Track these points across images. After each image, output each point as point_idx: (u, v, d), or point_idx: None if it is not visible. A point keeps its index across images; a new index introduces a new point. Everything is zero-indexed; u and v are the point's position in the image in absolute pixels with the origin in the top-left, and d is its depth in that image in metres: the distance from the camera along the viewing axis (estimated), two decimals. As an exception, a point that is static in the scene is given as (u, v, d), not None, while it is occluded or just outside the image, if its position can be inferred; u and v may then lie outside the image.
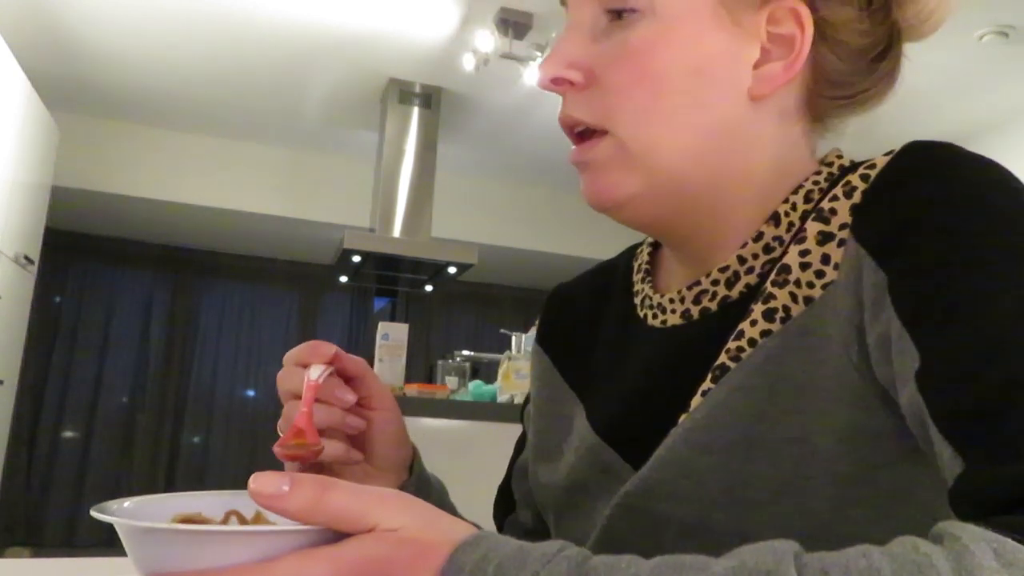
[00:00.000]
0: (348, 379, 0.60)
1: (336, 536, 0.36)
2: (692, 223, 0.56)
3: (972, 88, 3.73)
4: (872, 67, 0.56)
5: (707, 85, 0.53)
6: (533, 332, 0.77)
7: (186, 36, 3.67)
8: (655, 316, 0.60)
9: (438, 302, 6.24)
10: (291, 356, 0.59)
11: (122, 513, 0.40)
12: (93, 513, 0.37)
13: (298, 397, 0.56)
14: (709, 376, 0.52)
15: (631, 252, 0.70)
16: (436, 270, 4.16)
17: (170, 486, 5.52)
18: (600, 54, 0.54)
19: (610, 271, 0.71)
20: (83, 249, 5.58)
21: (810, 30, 0.53)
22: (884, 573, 0.31)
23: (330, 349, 0.57)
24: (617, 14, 0.53)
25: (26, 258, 3.57)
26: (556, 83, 0.55)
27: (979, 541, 0.31)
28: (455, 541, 0.36)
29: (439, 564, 0.35)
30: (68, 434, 5.41)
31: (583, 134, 0.55)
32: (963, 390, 0.39)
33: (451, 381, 3.34)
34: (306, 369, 0.56)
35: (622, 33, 0.53)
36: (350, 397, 0.60)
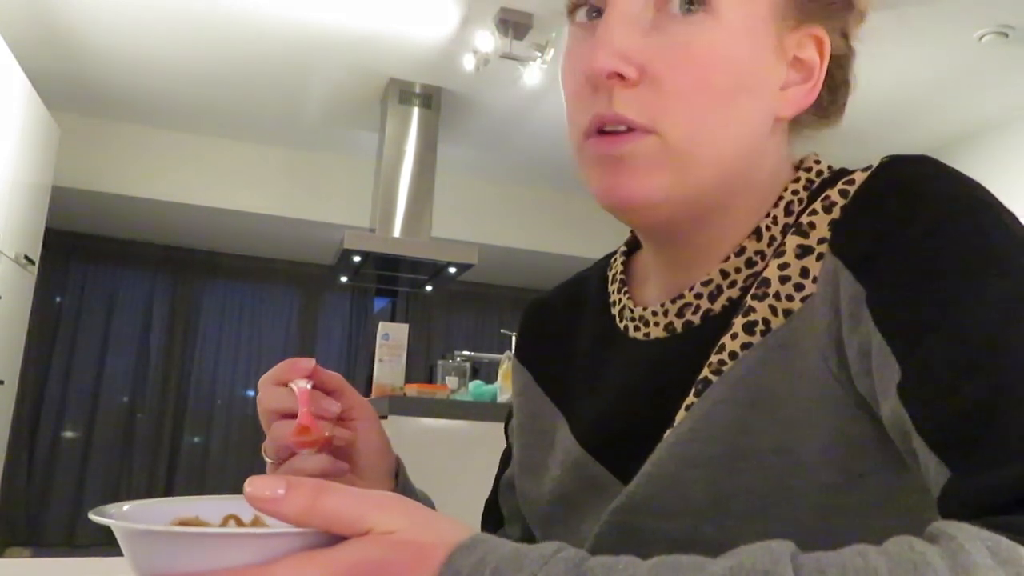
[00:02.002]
0: (327, 393, 0.61)
1: (333, 539, 0.36)
2: (695, 231, 0.56)
3: (972, 88, 3.73)
4: (839, 94, 0.60)
5: (751, 100, 0.53)
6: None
7: (186, 36, 3.67)
8: (637, 328, 0.60)
9: (438, 302, 6.24)
10: (269, 377, 0.59)
11: (120, 517, 0.39)
12: (92, 516, 0.37)
13: (283, 415, 0.58)
14: (692, 390, 0.52)
15: (604, 262, 0.70)
16: (436, 270, 4.16)
17: (170, 486, 5.53)
18: (655, 50, 0.51)
19: (584, 282, 0.71)
20: (83, 249, 5.58)
21: (827, 58, 0.55)
22: (881, 572, 0.31)
23: (309, 363, 0.58)
24: (688, 3, 0.51)
25: (26, 258, 3.58)
26: (610, 77, 0.50)
27: (974, 539, 0.32)
28: (452, 543, 0.36)
29: (436, 567, 0.35)
30: (68, 434, 5.40)
31: (612, 129, 0.52)
32: (946, 401, 0.40)
33: (451, 381, 3.34)
34: (286, 387, 0.58)
35: (683, 32, 0.50)
36: (335, 408, 0.60)
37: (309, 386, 0.57)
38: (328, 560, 0.34)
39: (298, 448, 0.57)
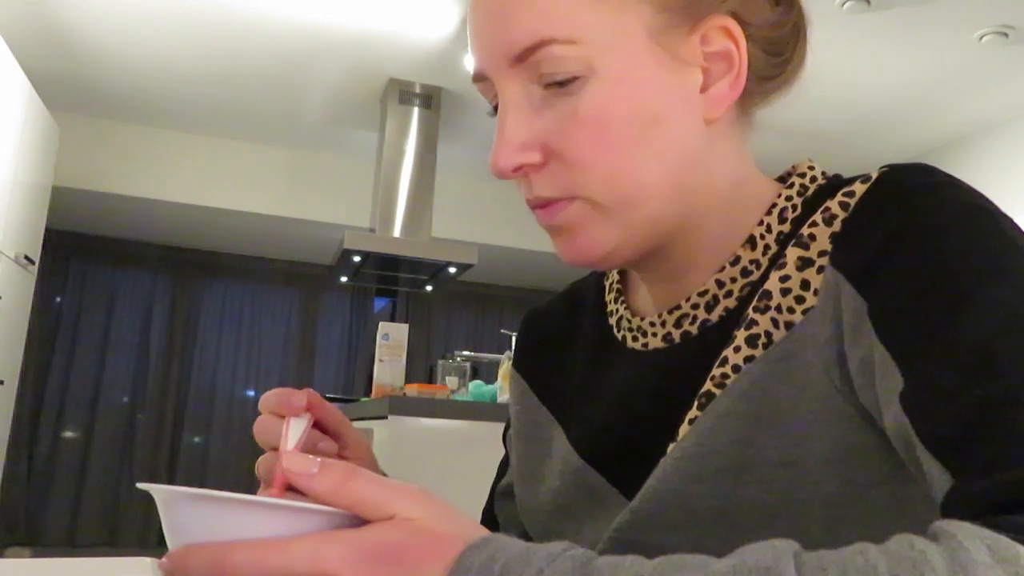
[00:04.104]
0: (324, 429, 0.58)
1: (359, 524, 0.37)
2: (667, 254, 0.57)
3: (972, 88, 3.73)
4: (791, 49, 0.57)
5: (666, 127, 0.52)
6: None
7: (186, 36, 3.67)
8: (635, 339, 0.61)
9: (438, 302, 6.24)
10: (266, 403, 0.55)
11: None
12: (140, 485, 0.40)
13: (275, 449, 0.53)
14: (695, 404, 0.52)
15: (601, 272, 0.71)
16: (436, 270, 4.16)
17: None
18: (549, 127, 0.52)
19: (581, 292, 0.71)
20: (83, 249, 5.58)
21: (743, 42, 0.53)
22: (880, 569, 0.31)
23: (301, 400, 0.53)
24: (557, 84, 0.51)
25: (26, 258, 3.58)
26: (518, 171, 0.53)
27: (974, 538, 0.32)
28: (467, 539, 0.37)
29: (451, 558, 0.36)
30: (68, 434, 5.40)
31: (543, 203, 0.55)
32: (948, 408, 0.40)
33: (451, 381, 3.34)
34: (282, 420, 0.52)
35: (568, 101, 0.51)
36: (332, 448, 0.57)
37: (303, 425, 0.53)
38: (350, 539, 0.36)
39: None
